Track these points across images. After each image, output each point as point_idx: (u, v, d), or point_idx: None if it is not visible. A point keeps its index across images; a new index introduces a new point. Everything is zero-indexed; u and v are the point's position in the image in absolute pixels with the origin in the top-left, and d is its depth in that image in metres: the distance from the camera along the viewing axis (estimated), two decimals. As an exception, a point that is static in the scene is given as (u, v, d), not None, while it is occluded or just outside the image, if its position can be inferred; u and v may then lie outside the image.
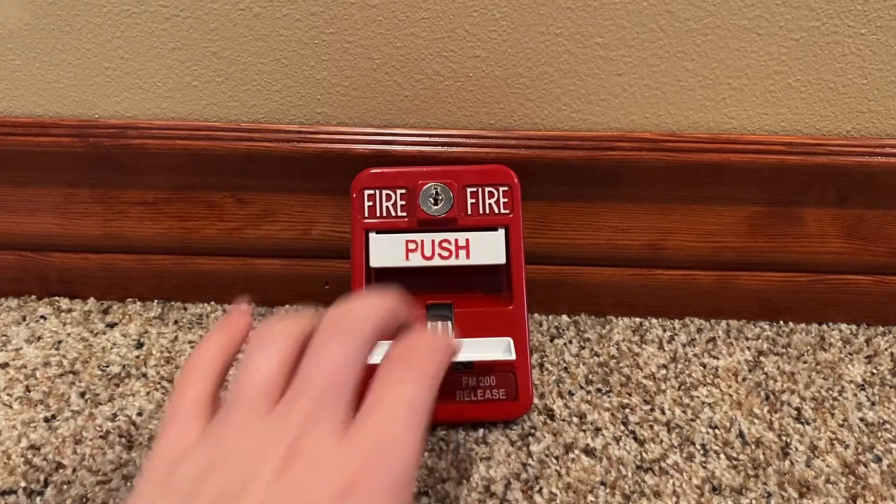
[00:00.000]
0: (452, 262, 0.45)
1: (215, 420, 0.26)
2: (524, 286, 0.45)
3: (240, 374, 0.27)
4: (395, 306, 0.29)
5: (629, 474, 0.43)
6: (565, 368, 0.50)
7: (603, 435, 0.45)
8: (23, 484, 0.42)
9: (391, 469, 0.24)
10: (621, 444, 0.45)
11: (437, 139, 0.47)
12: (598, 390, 0.48)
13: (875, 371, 0.50)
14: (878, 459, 0.44)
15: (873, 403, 0.47)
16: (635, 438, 0.45)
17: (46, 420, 0.46)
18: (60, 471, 0.43)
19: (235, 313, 0.31)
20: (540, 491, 0.42)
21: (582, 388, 0.48)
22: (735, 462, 0.43)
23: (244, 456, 0.24)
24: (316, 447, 0.24)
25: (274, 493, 0.22)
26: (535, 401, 0.47)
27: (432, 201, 0.45)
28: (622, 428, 0.46)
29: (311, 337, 0.27)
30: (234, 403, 0.26)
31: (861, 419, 0.46)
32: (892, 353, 0.51)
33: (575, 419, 0.46)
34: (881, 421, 0.46)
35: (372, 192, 0.45)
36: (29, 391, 0.48)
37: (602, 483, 0.42)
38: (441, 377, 0.27)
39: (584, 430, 0.45)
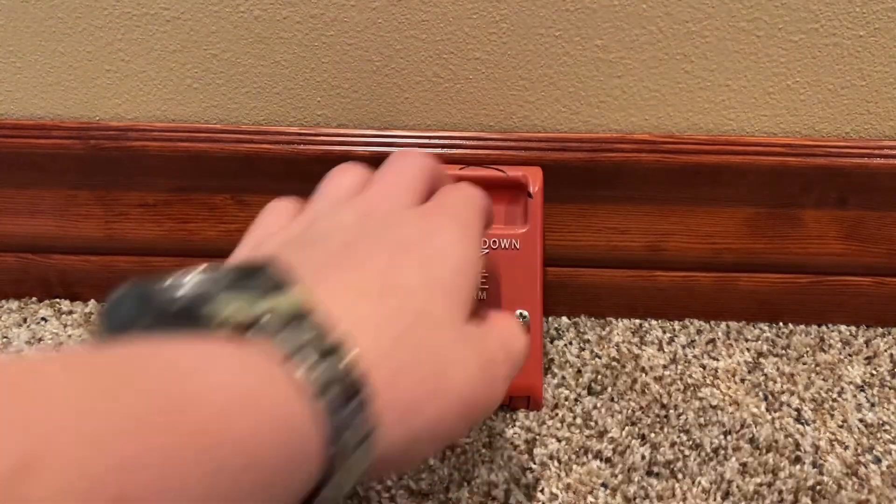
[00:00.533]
0: None
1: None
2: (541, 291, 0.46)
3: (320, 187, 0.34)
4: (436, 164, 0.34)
5: (635, 478, 0.43)
6: (566, 370, 0.50)
7: (606, 438, 0.45)
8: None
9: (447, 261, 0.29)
10: (625, 446, 0.45)
11: (437, 141, 0.48)
12: (600, 392, 0.48)
13: (875, 372, 0.50)
14: (878, 461, 0.44)
15: (873, 405, 0.47)
16: (640, 441, 0.45)
17: (47, 422, 0.46)
18: (61, 472, 0.43)
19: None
20: (542, 491, 0.42)
21: (583, 389, 0.48)
22: (741, 465, 0.44)
23: (329, 214, 0.31)
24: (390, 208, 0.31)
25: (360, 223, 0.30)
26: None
27: None
28: (626, 430, 0.46)
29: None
30: (318, 199, 0.33)
31: (861, 420, 0.46)
32: (891, 355, 0.51)
33: (578, 420, 0.46)
34: (881, 422, 0.46)
35: None
36: (29, 393, 0.48)
37: (604, 485, 0.42)
38: (481, 226, 0.32)
39: (586, 433, 0.45)
